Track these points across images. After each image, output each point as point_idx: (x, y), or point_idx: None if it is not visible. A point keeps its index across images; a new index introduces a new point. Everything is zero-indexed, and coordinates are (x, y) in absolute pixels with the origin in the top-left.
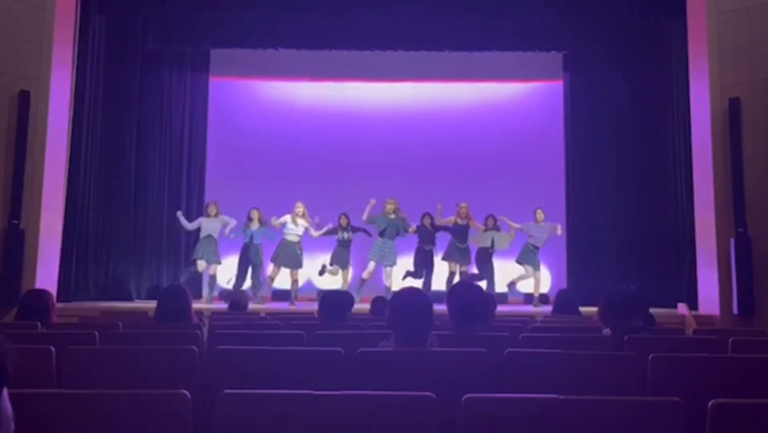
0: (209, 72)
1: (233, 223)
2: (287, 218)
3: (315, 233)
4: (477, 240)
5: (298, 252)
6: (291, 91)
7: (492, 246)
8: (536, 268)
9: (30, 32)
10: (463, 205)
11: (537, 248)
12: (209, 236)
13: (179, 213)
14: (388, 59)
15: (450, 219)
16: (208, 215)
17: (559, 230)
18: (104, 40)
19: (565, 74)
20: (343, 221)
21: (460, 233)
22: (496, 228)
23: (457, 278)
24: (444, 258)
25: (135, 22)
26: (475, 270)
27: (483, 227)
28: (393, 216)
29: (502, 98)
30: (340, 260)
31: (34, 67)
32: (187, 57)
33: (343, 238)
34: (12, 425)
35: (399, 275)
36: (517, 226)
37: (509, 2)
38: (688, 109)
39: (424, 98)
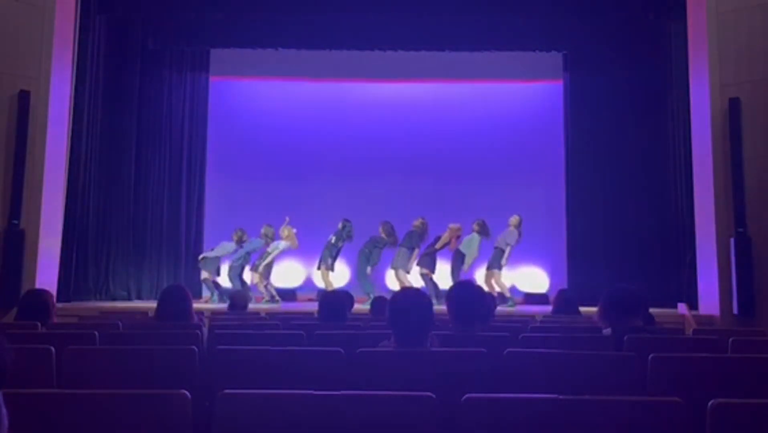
0: (209, 72)
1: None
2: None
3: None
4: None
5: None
6: (291, 91)
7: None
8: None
9: (30, 32)
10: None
11: (497, 248)
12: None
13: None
14: (388, 59)
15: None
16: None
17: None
18: (104, 40)
19: (565, 74)
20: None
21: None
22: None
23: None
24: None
25: (135, 22)
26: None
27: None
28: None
29: (502, 98)
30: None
31: (34, 67)
32: (187, 57)
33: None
34: (6, 422)
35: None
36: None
37: (509, 2)
38: (688, 109)
39: (424, 98)
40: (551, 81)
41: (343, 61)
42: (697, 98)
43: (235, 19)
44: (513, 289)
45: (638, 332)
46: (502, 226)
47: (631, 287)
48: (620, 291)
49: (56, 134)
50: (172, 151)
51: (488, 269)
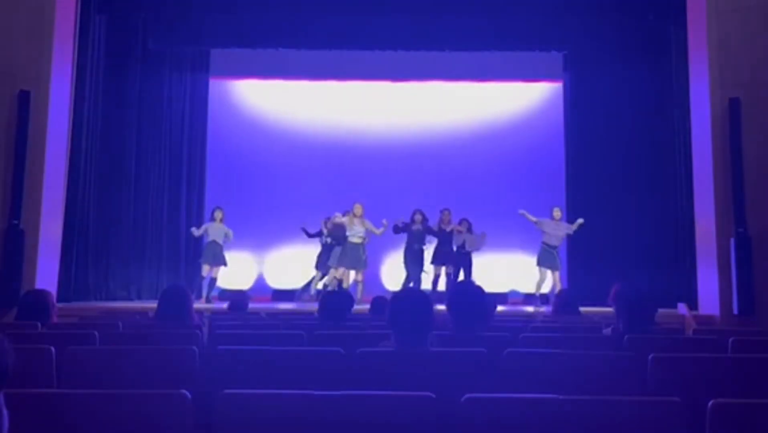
0: (209, 72)
1: (231, 234)
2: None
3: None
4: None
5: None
6: (291, 91)
7: (463, 246)
8: (554, 268)
9: (30, 32)
10: (447, 212)
11: (553, 247)
12: (214, 241)
13: (192, 229)
14: (388, 59)
15: (435, 226)
16: (213, 220)
17: (570, 229)
18: (104, 39)
19: (565, 74)
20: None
21: (445, 238)
22: (469, 231)
23: (442, 280)
24: (431, 262)
25: (135, 22)
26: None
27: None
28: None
29: (502, 98)
30: (320, 265)
31: (34, 67)
32: (187, 57)
33: (327, 242)
34: (6, 422)
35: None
36: (534, 219)
37: (510, 2)
38: (688, 109)
39: (424, 98)
40: (551, 81)
41: (344, 61)
42: (697, 98)
43: (235, 19)
44: (513, 289)
45: (638, 331)
46: (502, 225)
47: (640, 287)
48: (642, 294)
49: (56, 134)
50: (172, 152)
51: (553, 267)
